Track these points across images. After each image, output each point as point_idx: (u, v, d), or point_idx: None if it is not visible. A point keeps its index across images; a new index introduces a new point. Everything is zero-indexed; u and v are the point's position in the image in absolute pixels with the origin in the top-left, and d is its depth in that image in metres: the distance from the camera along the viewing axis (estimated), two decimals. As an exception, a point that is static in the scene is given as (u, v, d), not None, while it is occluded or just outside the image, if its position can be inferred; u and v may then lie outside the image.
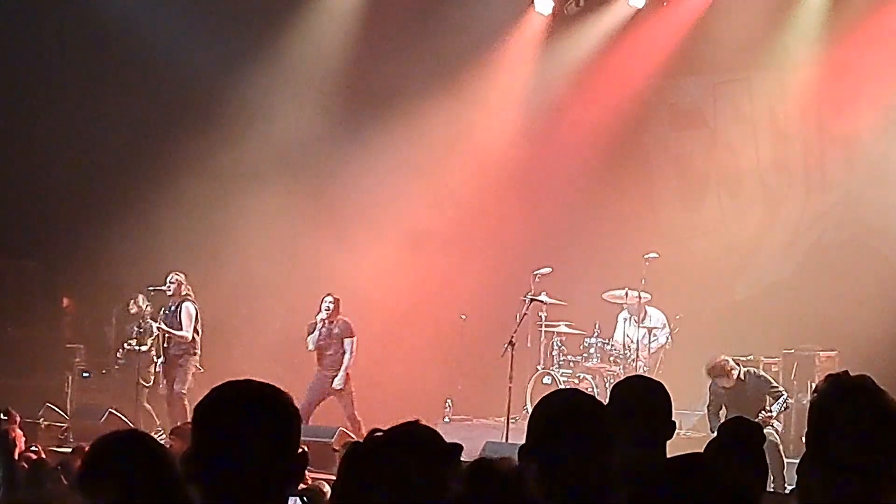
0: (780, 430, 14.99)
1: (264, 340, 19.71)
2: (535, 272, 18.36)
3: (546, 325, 18.99)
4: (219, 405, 3.61)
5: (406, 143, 20.39)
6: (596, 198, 20.33)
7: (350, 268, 19.87)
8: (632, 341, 18.30)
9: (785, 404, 14.91)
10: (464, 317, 19.87)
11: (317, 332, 17.50)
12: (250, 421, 3.54)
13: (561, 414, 4.21)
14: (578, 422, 4.14)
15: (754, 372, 15.32)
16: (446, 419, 19.06)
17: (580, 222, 20.15)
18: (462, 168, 20.69)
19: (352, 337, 17.46)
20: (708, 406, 15.18)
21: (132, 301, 18.59)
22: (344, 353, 17.42)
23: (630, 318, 18.57)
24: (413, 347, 17.39)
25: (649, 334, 18.33)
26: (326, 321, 17.47)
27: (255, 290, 20.90)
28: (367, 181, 20.68)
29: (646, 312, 18.52)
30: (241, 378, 3.69)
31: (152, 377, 18.23)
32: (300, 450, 3.63)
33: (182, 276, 18.04)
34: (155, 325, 18.07)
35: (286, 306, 20.59)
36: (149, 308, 18.44)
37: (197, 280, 18.38)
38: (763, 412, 14.66)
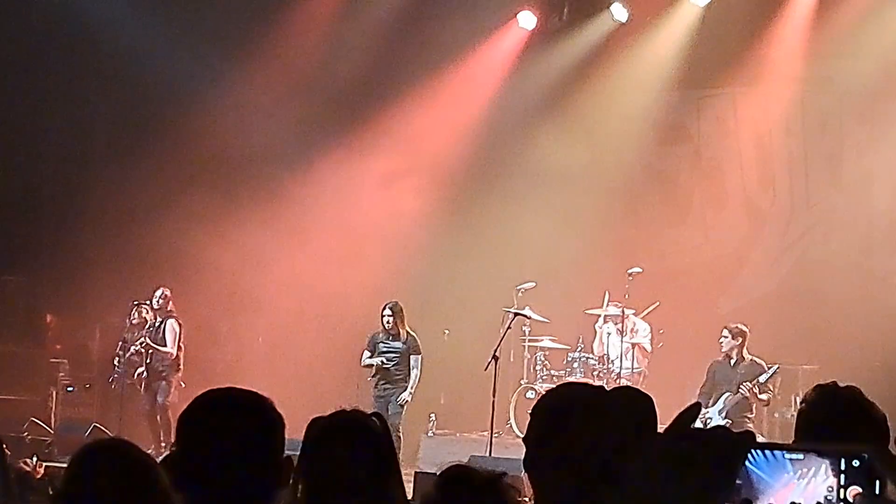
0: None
1: (247, 356, 19.77)
2: (519, 287, 18.42)
3: (529, 340, 19.13)
4: (201, 412, 3.66)
5: (385, 154, 20.63)
6: (579, 212, 20.28)
7: (329, 283, 19.97)
8: (613, 354, 18.47)
9: (775, 372, 16.02)
10: (447, 332, 19.93)
11: (373, 347, 17.07)
12: (232, 427, 3.59)
13: (568, 402, 4.06)
14: (585, 410, 3.99)
15: (752, 358, 16.28)
16: (430, 433, 19.08)
17: (563, 236, 20.04)
18: (441, 179, 20.76)
19: (419, 354, 17.09)
20: (701, 387, 16.14)
21: (136, 311, 18.53)
22: (409, 368, 17.02)
23: (612, 331, 18.65)
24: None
25: (633, 349, 18.43)
26: (389, 333, 17.04)
27: (236, 305, 21.04)
28: (345, 194, 20.83)
29: (627, 321, 18.52)
30: (225, 386, 3.74)
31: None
32: (284, 456, 3.67)
33: (167, 292, 18.24)
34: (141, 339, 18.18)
35: (268, 321, 20.80)
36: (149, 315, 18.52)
37: (179, 294, 18.54)
38: (747, 383, 15.54)
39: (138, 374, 18.19)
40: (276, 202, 20.64)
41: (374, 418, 4.35)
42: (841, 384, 4.24)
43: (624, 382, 17.73)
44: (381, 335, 17.08)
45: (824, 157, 20.06)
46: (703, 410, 15.30)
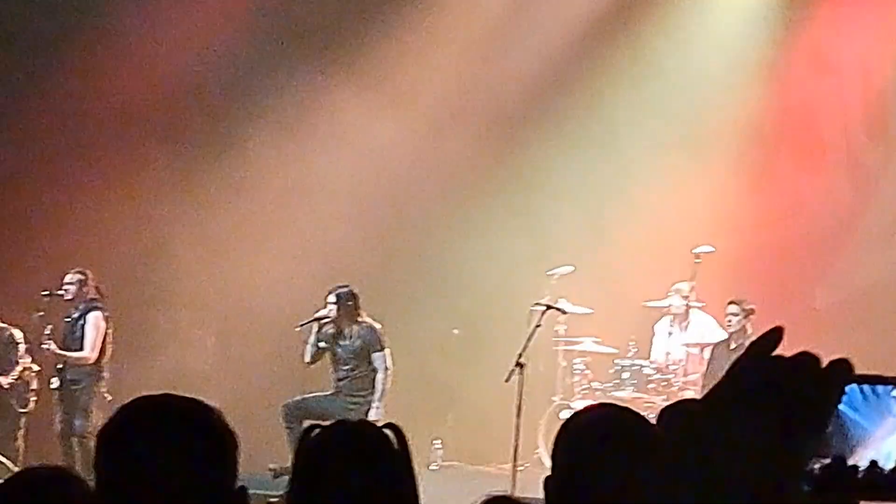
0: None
1: (194, 360, 20.07)
2: (551, 272, 18.64)
3: (565, 343, 19.19)
4: (128, 429, 3.64)
5: (374, 102, 20.68)
6: (629, 175, 20.47)
7: (301, 268, 20.05)
8: (675, 360, 18.54)
9: None
10: (456, 331, 20.40)
11: (313, 337, 17.05)
12: (171, 448, 3.55)
13: (596, 435, 4.24)
14: (619, 445, 4.15)
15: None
16: (434, 465, 19.13)
17: (610, 206, 20.38)
18: (447, 136, 20.95)
19: (381, 350, 16.94)
20: (703, 375, 17.27)
21: None
22: (373, 372, 16.90)
23: (673, 328, 18.70)
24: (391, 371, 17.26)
25: (701, 352, 18.39)
26: (334, 324, 16.99)
27: (179, 296, 21.11)
28: (320, 151, 20.95)
29: (688, 318, 18.67)
30: (160, 392, 3.72)
31: (31, 402, 18.45)
32: (238, 485, 3.65)
33: (85, 274, 17.96)
34: (39, 346, 17.98)
35: (220, 318, 21.13)
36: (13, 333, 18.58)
37: (114, 286, 18.52)
38: None
39: (50, 385, 18.05)
40: (231, 162, 20.81)
41: (388, 430, 4.40)
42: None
43: (689, 395, 17.39)
44: (329, 334, 17.10)
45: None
46: None
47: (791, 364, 1.72)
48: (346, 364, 17.00)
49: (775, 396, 1.70)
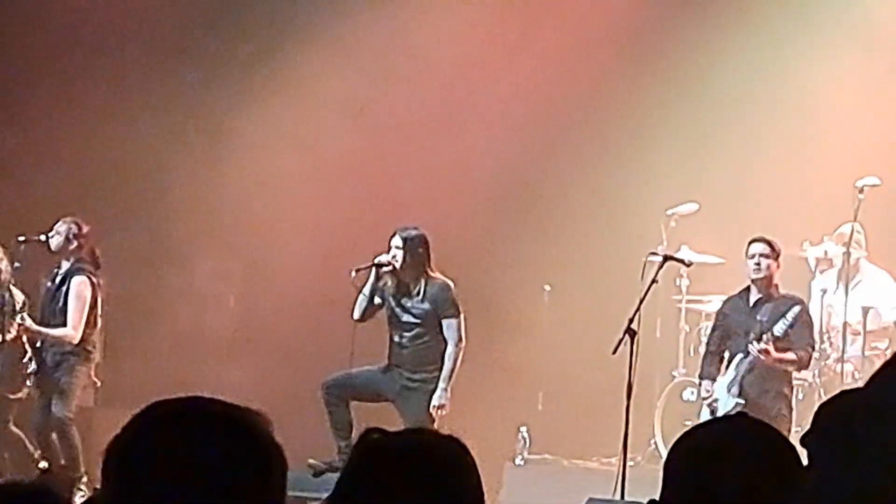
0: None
1: (205, 329, 20.83)
2: (670, 211, 18.84)
3: (688, 302, 19.14)
4: (150, 443, 3.62)
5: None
6: (774, 90, 20.40)
7: (349, 210, 20.55)
8: (832, 325, 18.25)
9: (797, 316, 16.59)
10: (548, 287, 20.07)
11: (369, 287, 16.68)
12: (206, 470, 3.57)
13: (724, 460, 4.31)
14: (756, 471, 4.25)
15: (784, 294, 16.96)
16: (519, 459, 18.87)
17: (744, 129, 20.34)
18: (554, 52, 20.71)
19: (456, 316, 16.60)
20: (707, 344, 17.21)
21: None
22: (442, 342, 16.62)
23: (836, 286, 18.39)
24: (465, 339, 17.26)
25: (864, 316, 18.00)
26: (396, 276, 16.65)
27: (197, 246, 21.49)
28: (385, 65, 21.15)
29: (858, 271, 18.44)
30: (186, 395, 3.72)
31: (25, 387, 18.07)
32: None
33: (78, 225, 17.70)
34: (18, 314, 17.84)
35: (244, 271, 21.75)
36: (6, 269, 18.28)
37: (112, 235, 18.68)
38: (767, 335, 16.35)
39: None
40: (260, 73, 20.97)
41: (453, 443, 4.43)
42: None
43: (850, 371, 17.64)
44: (389, 287, 16.84)
45: None
46: (705, 384, 16.60)
47: None
48: (410, 330, 16.73)
49: None
